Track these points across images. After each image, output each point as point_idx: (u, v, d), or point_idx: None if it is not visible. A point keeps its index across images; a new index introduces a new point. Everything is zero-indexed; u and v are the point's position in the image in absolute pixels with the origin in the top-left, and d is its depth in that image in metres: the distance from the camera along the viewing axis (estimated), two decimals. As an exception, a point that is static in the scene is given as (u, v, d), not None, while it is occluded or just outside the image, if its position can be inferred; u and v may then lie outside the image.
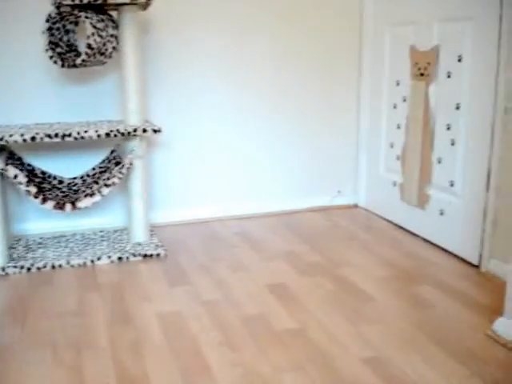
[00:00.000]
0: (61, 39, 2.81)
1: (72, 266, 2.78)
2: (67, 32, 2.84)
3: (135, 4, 2.73)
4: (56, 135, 2.68)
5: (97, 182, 2.92)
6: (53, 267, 2.75)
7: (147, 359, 1.98)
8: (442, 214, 2.97)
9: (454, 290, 2.50)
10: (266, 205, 3.62)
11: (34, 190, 2.67)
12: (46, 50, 2.74)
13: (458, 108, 2.80)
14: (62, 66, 2.77)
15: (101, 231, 3.21)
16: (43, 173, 2.97)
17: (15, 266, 2.71)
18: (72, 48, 2.89)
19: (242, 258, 2.89)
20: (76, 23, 2.87)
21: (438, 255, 2.92)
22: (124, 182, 2.95)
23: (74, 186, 3.00)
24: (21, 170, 2.71)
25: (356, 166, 3.80)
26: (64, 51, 2.83)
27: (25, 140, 2.64)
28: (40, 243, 3.01)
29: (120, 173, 2.79)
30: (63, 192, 2.93)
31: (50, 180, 2.97)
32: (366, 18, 3.55)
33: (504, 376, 1.86)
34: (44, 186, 2.92)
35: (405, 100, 3.23)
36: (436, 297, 2.43)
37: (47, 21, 2.71)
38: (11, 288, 2.56)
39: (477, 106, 2.68)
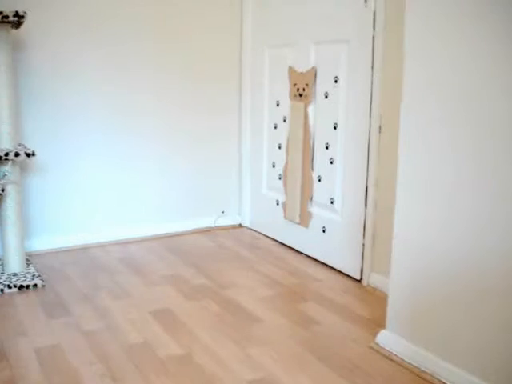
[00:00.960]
0: None
1: None
2: None
3: (7, 22, 2.58)
4: None
5: (-37, 210, 2.70)
6: None
7: (21, 399, 1.82)
8: (324, 231, 3.03)
9: (338, 306, 2.54)
10: (149, 228, 3.52)
11: None
12: None
13: (335, 128, 2.88)
14: None
15: (-32, 262, 2.97)
16: None
17: None
18: None
19: (125, 284, 2.78)
20: None
21: (322, 272, 2.96)
22: (-6, 208, 2.75)
23: None
24: None
25: (239, 186, 3.80)
26: None
27: None
28: None
29: (-11, 198, 2.60)
30: None
31: None
32: (245, 40, 3.59)
33: (388, 388, 1.90)
34: None
35: (285, 120, 3.28)
36: (321, 313, 2.46)
37: None
38: None
39: (353, 126, 2.77)
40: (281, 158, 3.35)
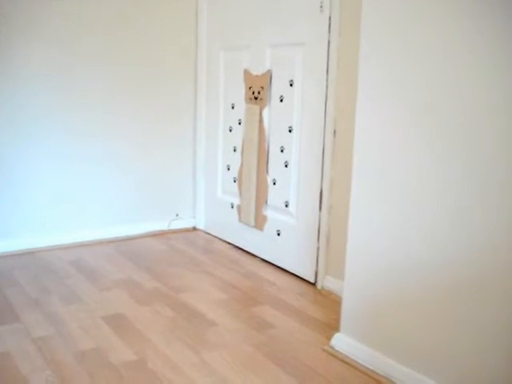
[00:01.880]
0: None
1: None
2: None
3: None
4: None
5: None
6: None
7: (-35, 410, 1.76)
8: (278, 234, 3.03)
9: (293, 309, 2.54)
10: (101, 231, 3.46)
11: None
12: None
13: (290, 131, 2.89)
14: None
15: None
16: None
17: None
18: None
19: (76, 289, 2.71)
20: None
21: (276, 275, 2.96)
22: None
23: None
24: None
25: (194, 189, 3.77)
26: None
27: None
28: None
29: None
30: None
31: None
32: (200, 43, 3.56)
33: (343, 391, 1.90)
34: None
35: (240, 123, 3.27)
36: (276, 317, 2.45)
37: None
38: None
39: (308, 129, 2.78)
40: (236, 161, 3.34)
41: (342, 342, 2.14)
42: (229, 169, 3.43)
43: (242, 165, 3.26)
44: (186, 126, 3.68)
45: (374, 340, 2.02)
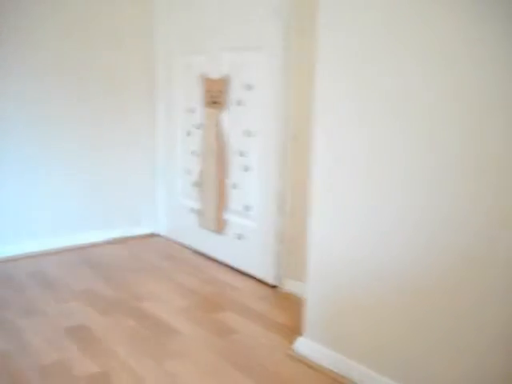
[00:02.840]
0: None
1: None
2: None
3: None
4: None
5: None
6: None
7: None
8: (239, 238, 3.04)
9: (255, 314, 2.55)
10: (60, 240, 3.40)
11: None
12: None
13: (249, 135, 2.90)
14: None
15: None
16: None
17: None
18: None
19: (36, 300, 2.67)
20: None
21: (238, 279, 2.97)
22: None
23: None
24: None
25: (154, 195, 3.75)
26: None
27: None
28: None
29: None
30: None
31: None
32: (157, 48, 3.54)
33: (306, 395, 1.92)
34: None
35: (199, 127, 3.26)
36: (239, 322, 2.46)
37: None
38: None
39: (267, 133, 2.79)
40: (195, 165, 3.33)
41: (304, 345, 2.16)
42: (188, 173, 3.42)
43: (201, 169, 3.25)
44: (145, 131, 3.65)
45: (336, 343, 2.04)
